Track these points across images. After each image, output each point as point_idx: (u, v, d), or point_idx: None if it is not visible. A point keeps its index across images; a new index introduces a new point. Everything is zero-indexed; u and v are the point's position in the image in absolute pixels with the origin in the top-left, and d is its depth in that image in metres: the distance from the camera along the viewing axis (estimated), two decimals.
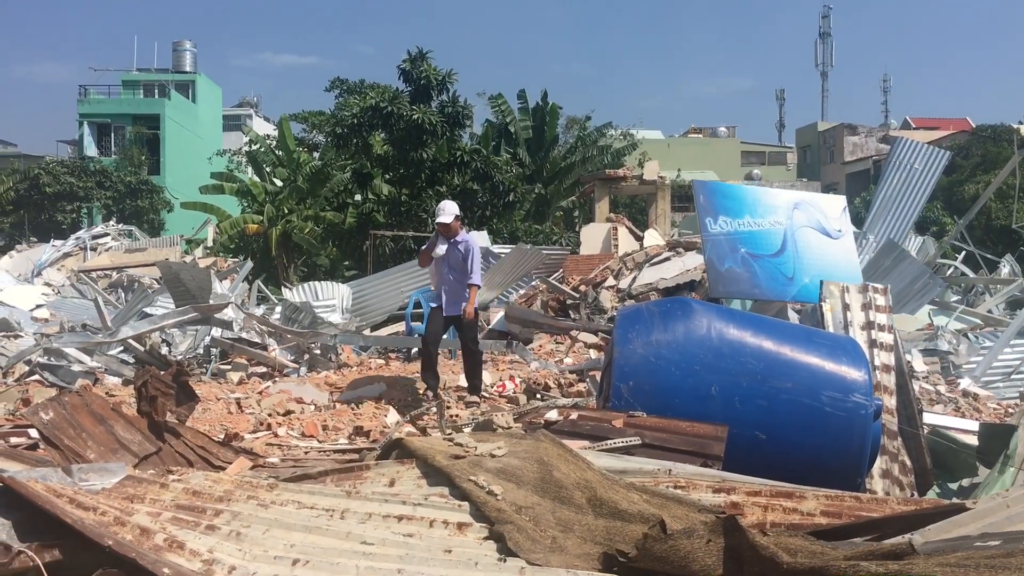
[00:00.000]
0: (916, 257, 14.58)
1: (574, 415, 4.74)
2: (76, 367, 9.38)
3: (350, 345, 11.21)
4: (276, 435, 6.58)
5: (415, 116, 21.12)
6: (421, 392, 8.28)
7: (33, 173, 32.74)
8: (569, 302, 12.64)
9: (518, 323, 11.69)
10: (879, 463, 5.51)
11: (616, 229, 18.58)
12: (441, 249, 8.17)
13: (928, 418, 6.67)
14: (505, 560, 2.92)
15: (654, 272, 13.67)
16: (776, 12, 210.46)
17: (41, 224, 31.53)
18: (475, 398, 8.01)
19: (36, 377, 9.09)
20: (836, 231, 11.21)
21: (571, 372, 9.30)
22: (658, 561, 2.62)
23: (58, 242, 21.38)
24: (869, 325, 6.40)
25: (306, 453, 5.91)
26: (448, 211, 8.22)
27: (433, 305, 8.52)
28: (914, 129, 50.89)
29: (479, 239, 16.49)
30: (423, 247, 8.65)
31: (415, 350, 11.50)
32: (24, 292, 15.95)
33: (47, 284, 17.56)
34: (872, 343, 6.23)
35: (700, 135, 60.03)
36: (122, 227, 24.45)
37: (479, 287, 8.27)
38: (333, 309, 13.84)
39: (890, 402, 5.85)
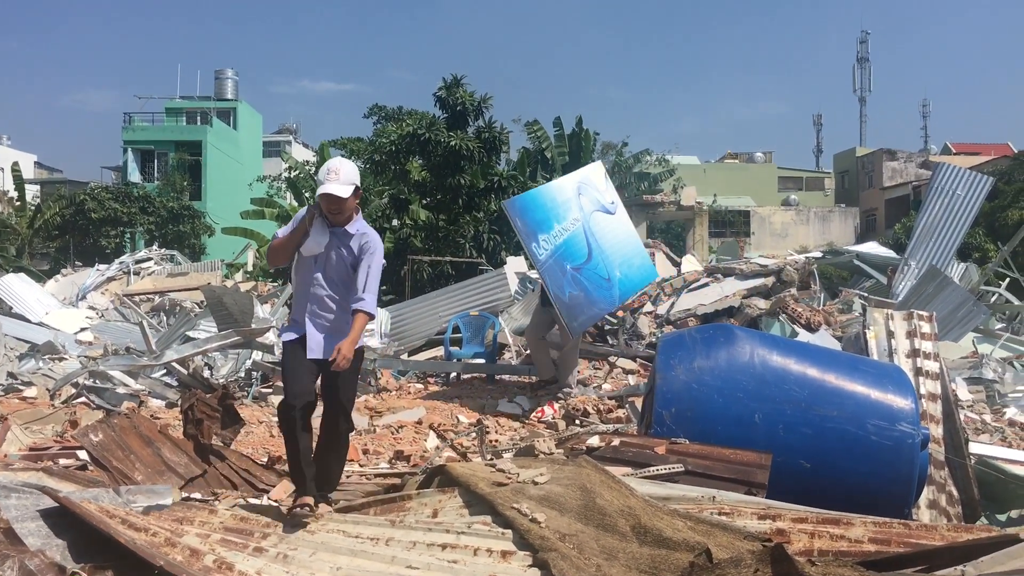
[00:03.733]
0: (959, 284, 14.36)
1: (616, 441, 4.73)
2: (121, 390, 9.53)
3: (389, 369, 11.27)
4: None
5: (452, 142, 21.31)
6: (300, 508, 3.98)
7: (78, 199, 33.42)
8: (607, 328, 12.58)
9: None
10: (926, 493, 5.42)
11: (653, 255, 18.47)
12: (318, 241, 4.64)
13: (975, 448, 6.55)
14: None
15: (692, 298, 13.60)
16: (813, 37, 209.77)
17: (86, 249, 32.10)
18: (324, 503, 4.22)
19: (83, 399, 9.25)
20: (611, 204, 10.50)
21: (610, 398, 9.27)
22: None
23: (102, 266, 21.76)
24: (914, 353, 6.32)
25: (347, 477, 5.95)
26: (345, 176, 4.60)
27: (292, 336, 4.67)
28: (954, 154, 50.32)
29: (516, 265, 16.42)
30: (283, 229, 4.83)
31: (453, 374, 11.51)
32: (69, 316, 16.26)
33: (92, 308, 17.87)
34: (917, 371, 6.15)
35: (736, 160, 59.68)
36: (164, 252, 24.83)
37: (372, 317, 4.62)
38: (372, 333, 13.89)
39: (936, 431, 5.76)
